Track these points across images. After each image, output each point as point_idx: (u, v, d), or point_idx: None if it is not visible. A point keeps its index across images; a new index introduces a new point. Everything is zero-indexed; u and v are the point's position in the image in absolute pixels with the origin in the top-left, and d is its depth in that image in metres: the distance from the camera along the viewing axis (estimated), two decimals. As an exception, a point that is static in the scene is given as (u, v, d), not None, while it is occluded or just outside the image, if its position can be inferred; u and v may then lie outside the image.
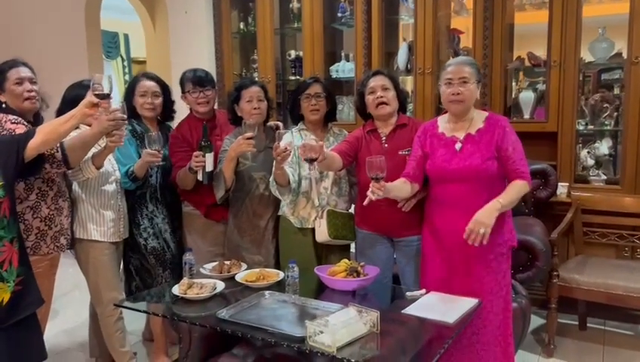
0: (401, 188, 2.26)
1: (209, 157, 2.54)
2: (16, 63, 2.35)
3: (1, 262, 1.82)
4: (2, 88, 2.32)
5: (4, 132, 2.17)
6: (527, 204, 3.18)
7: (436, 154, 2.26)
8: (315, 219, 2.58)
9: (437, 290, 2.13)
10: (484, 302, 2.11)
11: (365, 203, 2.11)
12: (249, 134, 2.43)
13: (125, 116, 2.19)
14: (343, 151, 2.48)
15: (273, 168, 2.49)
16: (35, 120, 2.43)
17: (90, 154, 2.34)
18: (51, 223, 2.38)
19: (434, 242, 2.31)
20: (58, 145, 2.19)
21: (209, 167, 2.56)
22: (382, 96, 2.43)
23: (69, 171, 2.36)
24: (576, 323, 3.23)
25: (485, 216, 2.06)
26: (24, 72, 2.35)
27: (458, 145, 2.23)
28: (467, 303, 2.00)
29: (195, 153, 2.53)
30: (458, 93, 2.18)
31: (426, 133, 2.33)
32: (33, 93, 2.35)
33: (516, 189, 2.15)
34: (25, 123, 2.26)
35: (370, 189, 2.06)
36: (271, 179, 2.52)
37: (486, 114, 2.28)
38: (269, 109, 2.72)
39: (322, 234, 2.55)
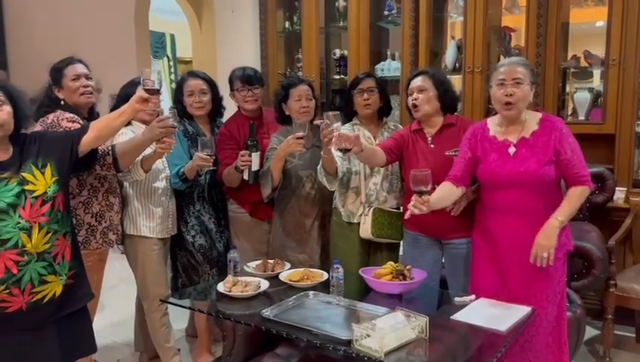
0: (446, 196, 2.19)
1: (255, 157, 2.53)
2: (72, 61, 2.41)
3: (55, 255, 1.86)
4: (60, 85, 2.38)
5: (60, 129, 2.24)
6: (582, 210, 3.04)
7: (488, 160, 2.18)
8: (361, 214, 2.56)
9: (489, 296, 2.06)
10: (537, 309, 2.03)
11: (406, 217, 2.07)
12: (299, 134, 2.40)
13: (176, 124, 2.23)
14: (387, 147, 2.44)
15: (322, 153, 2.45)
16: (90, 115, 2.49)
17: (139, 157, 2.38)
18: (101, 219, 2.43)
19: (486, 247, 2.23)
20: (109, 149, 2.24)
21: (255, 167, 2.54)
22: (415, 99, 2.40)
23: (119, 174, 2.41)
24: (634, 335, 3.08)
25: (546, 238, 2.03)
26: (80, 68, 2.41)
27: (512, 150, 2.15)
28: (520, 311, 1.92)
29: (241, 152, 2.52)
30: (511, 95, 2.09)
31: (476, 135, 2.25)
32: (89, 89, 2.41)
33: (575, 198, 2.08)
34: (80, 121, 2.32)
35: (412, 203, 2.02)
36: (319, 166, 2.50)
37: (539, 115, 2.19)
38: (316, 108, 2.70)
39: (365, 231, 2.54)
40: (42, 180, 1.84)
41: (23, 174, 1.82)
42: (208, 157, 2.45)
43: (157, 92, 2.04)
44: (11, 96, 1.83)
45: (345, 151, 2.20)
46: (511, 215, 2.12)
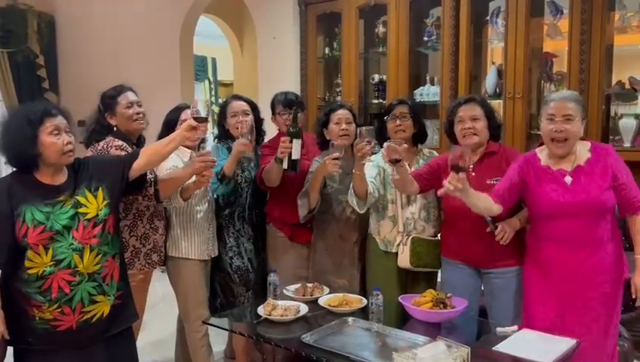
0: (483, 199, 2.15)
1: (296, 144, 2.47)
2: (123, 89, 2.52)
3: (104, 276, 1.93)
4: (114, 112, 2.48)
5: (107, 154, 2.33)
6: (628, 239, 2.95)
7: (545, 189, 2.15)
8: (399, 244, 2.54)
9: (544, 327, 2.02)
10: (597, 342, 2.03)
11: (440, 193, 2.09)
12: (335, 155, 2.41)
13: (215, 159, 2.33)
14: (421, 174, 2.44)
15: (353, 170, 2.45)
16: (138, 141, 2.59)
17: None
18: (145, 241, 2.51)
19: (543, 279, 2.19)
20: (151, 180, 2.33)
21: (295, 155, 2.47)
22: (470, 128, 2.37)
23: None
24: (684, 371, 2.94)
25: None
26: (132, 96, 2.52)
27: (568, 179, 2.13)
28: (564, 343, 1.88)
29: (282, 138, 2.48)
30: (561, 131, 2.08)
31: (528, 164, 2.23)
32: (141, 115, 2.52)
33: None
34: (128, 149, 2.41)
35: (447, 179, 1.98)
36: (350, 188, 2.50)
37: (589, 143, 2.18)
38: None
39: (404, 261, 2.53)
40: (94, 203, 1.93)
41: (77, 197, 1.90)
42: (248, 141, 2.48)
43: (205, 120, 2.12)
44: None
45: (395, 162, 2.21)
46: (571, 245, 2.10)
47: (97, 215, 1.92)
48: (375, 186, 2.51)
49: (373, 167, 2.58)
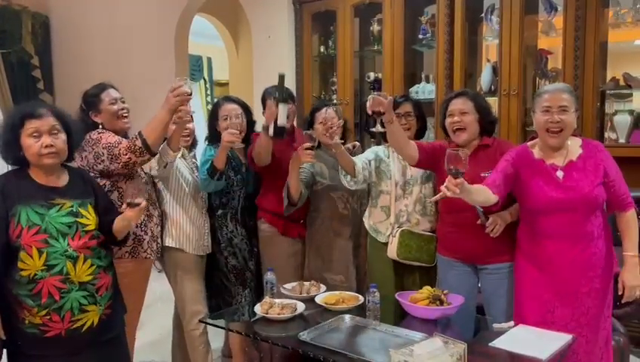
0: (482, 192, 2.11)
1: (282, 108, 2.39)
2: (105, 86, 2.51)
3: (99, 287, 1.94)
4: (98, 110, 2.46)
5: (92, 142, 2.33)
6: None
7: (538, 183, 2.15)
8: (390, 235, 2.55)
9: (536, 322, 2.04)
10: (588, 335, 2.03)
11: (434, 199, 2.11)
12: (307, 145, 2.40)
13: (190, 91, 2.26)
14: (423, 146, 2.41)
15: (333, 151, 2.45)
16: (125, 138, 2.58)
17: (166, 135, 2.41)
18: (146, 228, 2.51)
19: (534, 273, 2.19)
20: (137, 133, 2.29)
21: (281, 120, 2.39)
22: (458, 122, 2.36)
23: (156, 171, 2.51)
24: (680, 365, 2.96)
25: (635, 278, 2.08)
26: (114, 93, 2.51)
27: (560, 173, 2.13)
28: (560, 338, 1.89)
29: (267, 103, 2.44)
30: (558, 122, 2.08)
31: (521, 157, 2.23)
32: (126, 112, 2.51)
33: (633, 226, 2.10)
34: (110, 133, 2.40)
35: (445, 184, 1.93)
36: (340, 169, 2.50)
37: (580, 140, 2.19)
38: (345, 131, 2.72)
39: (391, 252, 2.54)
40: (95, 219, 1.96)
41: (79, 208, 1.92)
42: (237, 131, 2.46)
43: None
44: (66, 124, 1.93)
45: (379, 114, 2.18)
46: (563, 240, 2.11)
47: (95, 229, 1.95)
48: (366, 167, 2.51)
49: (371, 152, 2.61)
